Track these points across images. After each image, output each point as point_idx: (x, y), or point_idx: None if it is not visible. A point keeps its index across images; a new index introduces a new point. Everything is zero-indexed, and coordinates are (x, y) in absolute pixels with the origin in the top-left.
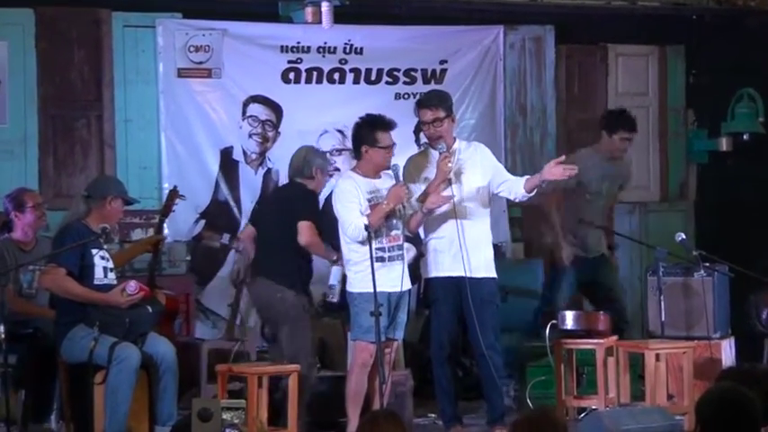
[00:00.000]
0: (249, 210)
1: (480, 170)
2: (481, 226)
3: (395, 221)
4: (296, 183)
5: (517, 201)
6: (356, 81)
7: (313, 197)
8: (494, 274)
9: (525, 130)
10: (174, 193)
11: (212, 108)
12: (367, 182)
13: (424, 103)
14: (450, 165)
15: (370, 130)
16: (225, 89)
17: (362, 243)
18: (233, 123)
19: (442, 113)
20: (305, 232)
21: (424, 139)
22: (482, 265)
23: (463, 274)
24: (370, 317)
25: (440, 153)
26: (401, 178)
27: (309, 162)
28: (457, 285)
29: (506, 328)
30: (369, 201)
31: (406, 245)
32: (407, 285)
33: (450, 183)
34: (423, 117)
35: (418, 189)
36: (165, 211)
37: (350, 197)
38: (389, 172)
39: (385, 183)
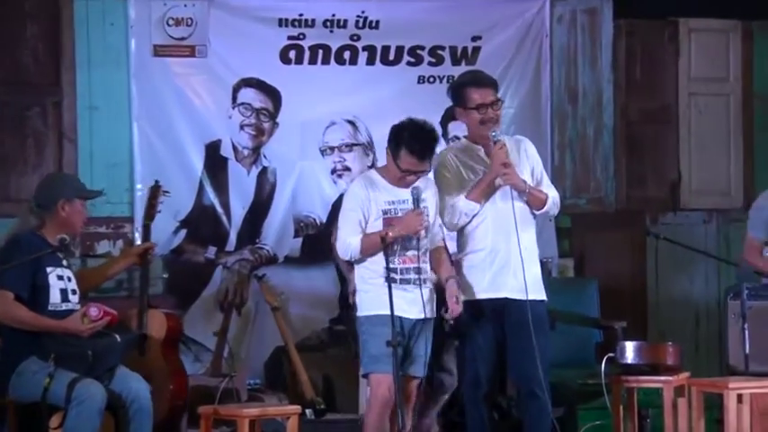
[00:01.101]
0: (240, 217)
1: (527, 169)
2: (532, 235)
3: (413, 241)
4: None
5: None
6: (370, 61)
7: None
8: (543, 296)
9: (576, 121)
10: (156, 190)
11: (196, 94)
12: (389, 188)
13: (482, 80)
14: (506, 155)
15: (400, 143)
16: (211, 71)
17: (351, 263)
18: (221, 112)
19: (496, 95)
20: None
21: (453, 132)
22: (530, 284)
23: (507, 296)
24: (382, 344)
25: (494, 142)
26: (420, 202)
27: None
28: (497, 309)
29: (553, 361)
30: (384, 213)
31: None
32: (426, 313)
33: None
34: (483, 98)
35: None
36: (150, 212)
37: (352, 204)
38: (431, 176)
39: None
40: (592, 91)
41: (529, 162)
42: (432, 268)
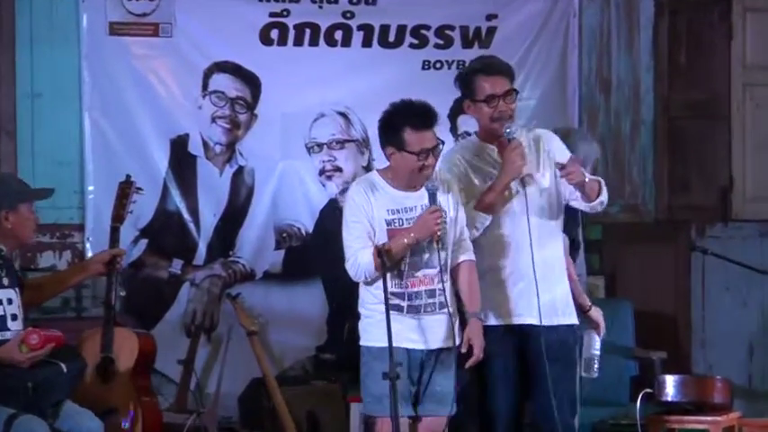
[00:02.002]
0: (211, 225)
1: (550, 169)
2: (554, 250)
3: (426, 256)
4: None
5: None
6: (367, 43)
7: None
8: (574, 320)
9: (609, 115)
10: (127, 186)
11: (159, 80)
12: (393, 193)
13: (493, 68)
14: (522, 155)
15: (395, 125)
16: (178, 53)
17: (368, 284)
18: (189, 102)
19: (511, 85)
20: None
21: (464, 127)
22: (558, 306)
23: (532, 321)
24: (385, 381)
25: (509, 139)
26: (436, 200)
27: None
28: (519, 336)
29: (581, 397)
30: (388, 223)
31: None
32: (444, 342)
33: (522, 185)
34: (494, 88)
35: (462, 201)
36: (119, 213)
37: (354, 213)
38: (444, 176)
39: (423, 199)
40: (628, 80)
41: (550, 159)
42: (456, 288)
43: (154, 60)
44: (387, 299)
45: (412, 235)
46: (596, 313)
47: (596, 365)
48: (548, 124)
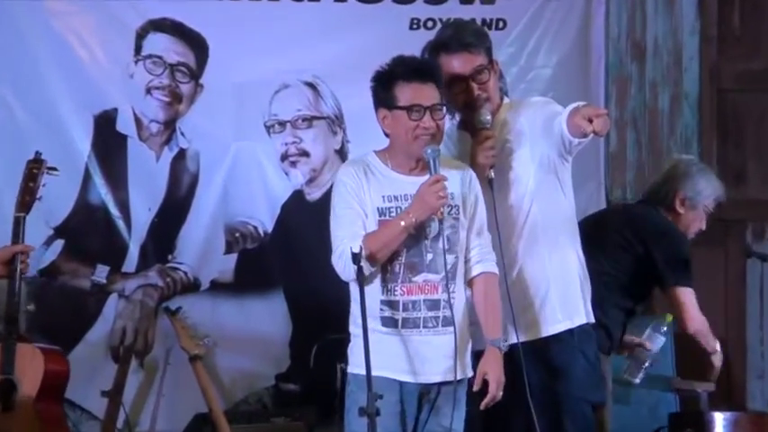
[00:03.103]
0: (145, 223)
1: (529, 150)
2: (549, 246)
3: (429, 257)
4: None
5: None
6: None
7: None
8: (577, 321)
9: (643, 89)
10: (35, 166)
11: (81, 42)
12: (391, 177)
13: (453, 43)
14: (492, 149)
15: (385, 81)
16: (104, 9)
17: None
18: (117, 69)
19: (484, 58)
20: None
21: None
22: (552, 313)
23: (521, 339)
24: (360, 416)
25: (481, 128)
26: (437, 168)
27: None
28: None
29: None
30: (381, 212)
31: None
32: (447, 373)
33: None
34: (456, 68)
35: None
36: (25, 199)
37: (343, 198)
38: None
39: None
40: (667, 45)
41: (536, 124)
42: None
43: (74, 18)
44: (364, 311)
45: (410, 215)
46: None
47: (643, 370)
48: (566, 98)
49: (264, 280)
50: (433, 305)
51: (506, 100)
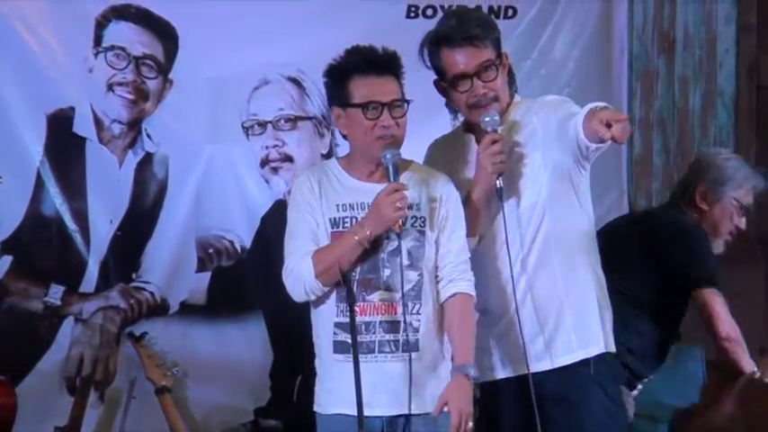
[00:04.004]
0: (107, 237)
1: (541, 155)
2: (563, 264)
3: (386, 273)
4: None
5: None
6: None
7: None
8: (594, 351)
9: (672, 84)
10: None
11: (32, 32)
12: (348, 184)
13: (456, 35)
14: (500, 154)
15: (338, 75)
16: None
17: (315, 308)
18: (75, 62)
19: (491, 52)
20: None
21: None
22: (565, 341)
23: (532, 370)
24: None
25: (486, 130)
26: (396, 174)
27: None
28: (522, 390)
29: None
30: (334, 224)
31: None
32: (409, 404)
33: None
34: (459, 64)
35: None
36: None
37: (298, 211)
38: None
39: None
40: (699, 35)
41: (550, 125)
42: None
43: (25, 3)
44: (354, 338)
45: (365, 228)
46: None
47: None
48: (585, 97)
49: (241, 302)
50: (392, 327)
51: (517, 98)
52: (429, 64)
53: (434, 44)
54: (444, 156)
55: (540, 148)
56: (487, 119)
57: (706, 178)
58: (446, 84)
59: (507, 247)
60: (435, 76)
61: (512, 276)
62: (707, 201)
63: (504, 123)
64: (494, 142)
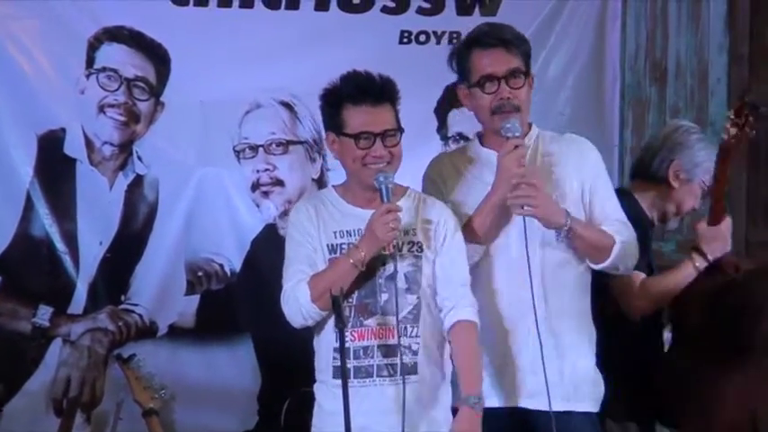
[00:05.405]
0: (96, 258)
1: (577, 185)
2: (573, 299)
3: (383, 297)
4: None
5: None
6: (322, 5)
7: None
8: (589, 406)
9: (663, 113)
10: None
11: (24, 52)
12: (345, 211)
13: (488, 37)
14: (523, 158)
15: (333, 102)
16: (52, 14)
17: (315, 334)
18: (67, 84)
19: (521, 63)
20: None
21: (456, 127)
22: (573, 386)
23: (525, 405)
24: None
25: (507, 137)
26: (389, 196)
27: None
28: (516, 424)
29: None
30: (331, 250)
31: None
32: (414, 427)
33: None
34: (488, 66)
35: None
36: None
37: (296, 240)
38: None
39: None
40: (691, 64)
41: (578, 178)
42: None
43: (16, 23)
44: (344, 362)
45: (360, 250)
46: None
47: None
48: (579, 123)
49: (230, 325)
50: (390, 351)
51: (535, 129)
52: (456, 68)
53: (466, 47)
54: (457, 166)
55: (575, 177)
56: (509, 125)
57: (683, 159)
58: (471, 85)
59: (529, 265)
60: (447, 84)
61: (533, 301)
62: (679, 180)
63: (529, 147)
64: (516, 147)
